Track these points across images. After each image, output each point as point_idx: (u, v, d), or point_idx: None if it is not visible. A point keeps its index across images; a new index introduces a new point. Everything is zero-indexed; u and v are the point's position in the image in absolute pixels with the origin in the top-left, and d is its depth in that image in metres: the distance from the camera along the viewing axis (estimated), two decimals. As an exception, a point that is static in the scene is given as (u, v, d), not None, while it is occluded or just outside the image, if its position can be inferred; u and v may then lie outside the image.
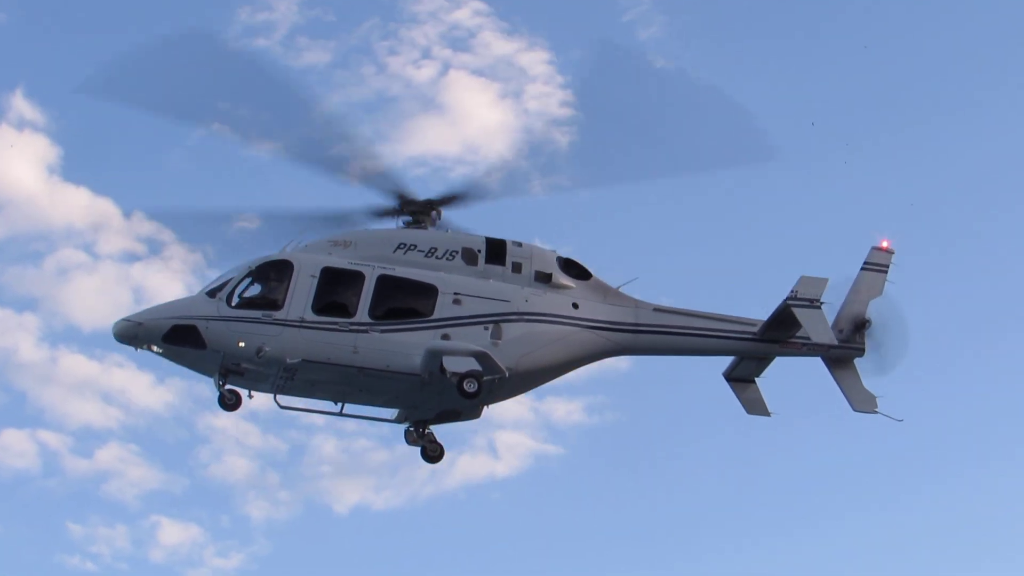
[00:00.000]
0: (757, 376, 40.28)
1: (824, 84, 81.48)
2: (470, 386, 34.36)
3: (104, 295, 72.75)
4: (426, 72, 79.16)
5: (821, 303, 37.84)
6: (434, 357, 34.55)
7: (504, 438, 71.35)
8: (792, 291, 37.83)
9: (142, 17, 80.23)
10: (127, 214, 71.60)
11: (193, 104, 37.68)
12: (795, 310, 37.62)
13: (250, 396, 35.86)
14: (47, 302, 73.37)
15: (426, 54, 79.67)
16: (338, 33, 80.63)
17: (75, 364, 71.75)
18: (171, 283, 70.09)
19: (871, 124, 79.30)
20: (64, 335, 72.35)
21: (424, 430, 38.03)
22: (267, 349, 34.29)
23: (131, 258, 71.87)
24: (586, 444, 71.12)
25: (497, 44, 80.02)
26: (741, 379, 40.29)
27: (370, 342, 34.86)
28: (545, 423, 71.14)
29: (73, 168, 75.44)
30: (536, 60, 79.65)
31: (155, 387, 70.93)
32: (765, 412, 40.37)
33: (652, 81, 41.02)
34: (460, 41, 79.54)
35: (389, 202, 37.17)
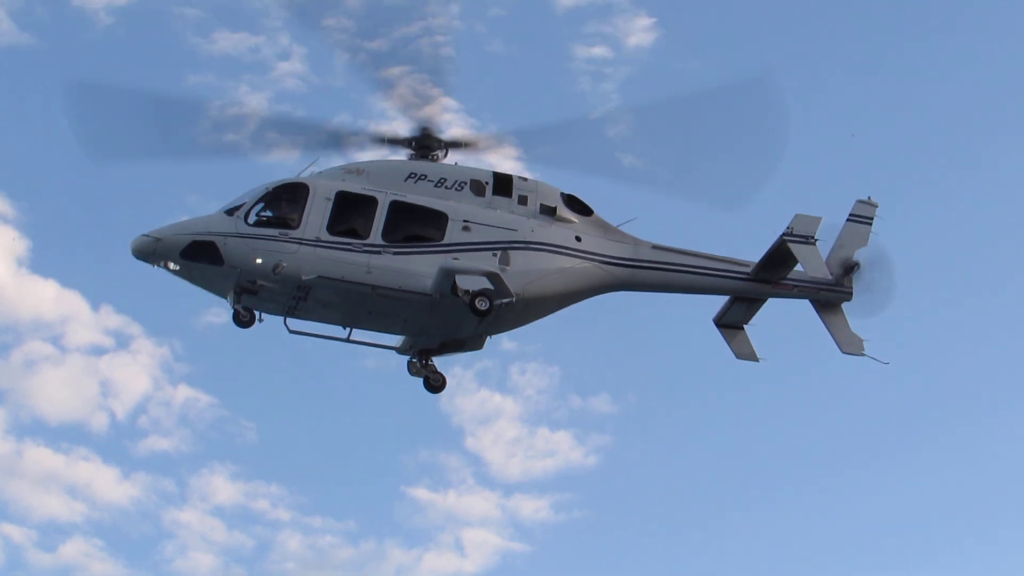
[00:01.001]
0: (746, 323, 41.58)
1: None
2: (482, 304, 35.37)
3: (71, 388, 72.97)
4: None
5: (816, 239, 39.28)
6: (447, 276, 35.52)
7: (471, 535, 71.65)
8: (788, 227, 39.26)
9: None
10: (95, 308, 73.08)
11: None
12: (791, 245, 39.01)
13: (260, 320, 36.73)
14: (13, 394, 73.24)
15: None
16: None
17: (40, 457, 71.36)
18: (139, 376, 71.86)
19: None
20: (30, 428, 72.13)
21: (427, 361, 38.96)
22: (284, 265, 35.13)
23: (99, 351, 73.44)
24: (553, 542, 71.12)
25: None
26: (731, 325, 41.60)
27: (383, 262, 35.80)
28: (512, 520, 71.50)
29: (41, 261, 75.78)
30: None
31: (121, 481, 70.97)
32: (754, 358, 41.67)
33: None
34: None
35: (412, 133, 38.05)
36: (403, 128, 38.20)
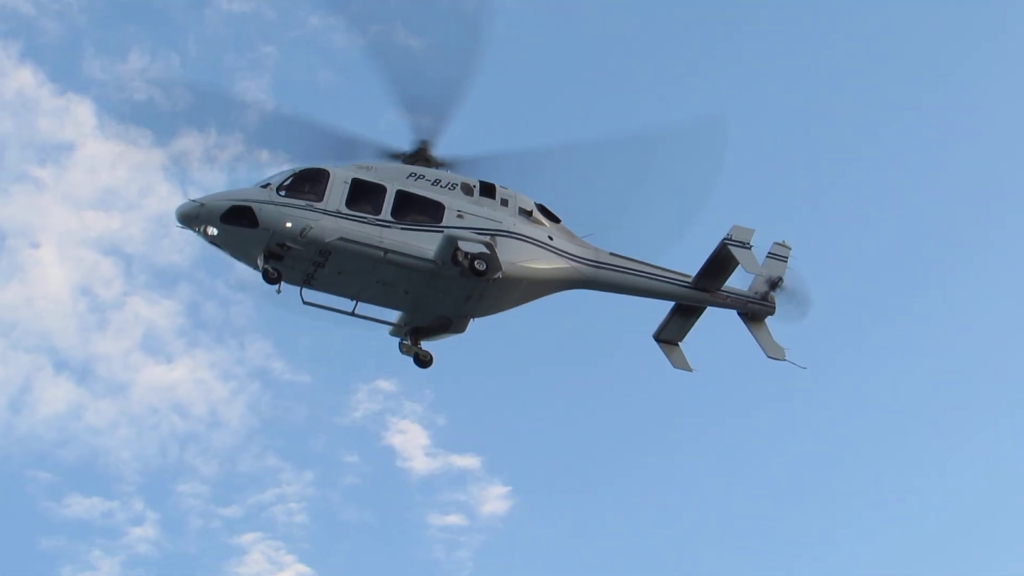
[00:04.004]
0: (680, 340, 48.31)
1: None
2: (480, 265, 41.64)
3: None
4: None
5: (751, 245, 46.46)
6: (450, 242, 41.72)
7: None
8: (727, 234, 46.43)
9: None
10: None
11: None
12: (731, 248, 46.10)
13: (278, 291, 42.41)
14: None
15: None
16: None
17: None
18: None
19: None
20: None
21: (416, 341, 44.78)
22: (312, 228, 41.10)
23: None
24: None
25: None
26: (668, 341, 48.30)
27: (392, 234, 41.99)
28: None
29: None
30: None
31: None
32: (688, 368, 48.23)
33: None
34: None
35: (411, 147, 44.48)
36: (404, 143, 44.85)
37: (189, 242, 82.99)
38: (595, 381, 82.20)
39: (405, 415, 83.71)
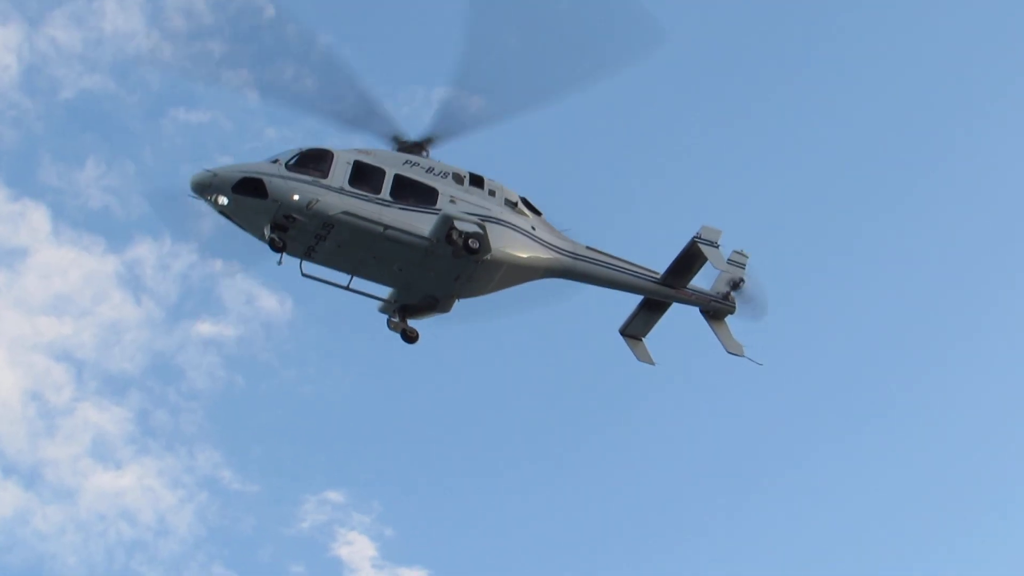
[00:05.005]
0: (644, 336, 51.63)
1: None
2: (474, 243, 44.61)
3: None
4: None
5: (718, 244, 49.91)
6: (446, 221, 44.64)
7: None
8: (697, 233, 49.87)
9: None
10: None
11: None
12: (701, 246, 49.53)
13: (279, 263, 45.09)
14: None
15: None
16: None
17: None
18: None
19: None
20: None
21: (404, 318, 47.58)
22: (318, 201, 43.85)
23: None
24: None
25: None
26: (633, 336, 51.58)
27: (391, 212, 44.84)
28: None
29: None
30: None
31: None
32: (650, 362, 51.49)
33: None
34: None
35: (416, 138, 47.09)
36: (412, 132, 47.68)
37: (141, 348, 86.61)
38: (543, 487, 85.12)
39: (353, 526, 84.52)
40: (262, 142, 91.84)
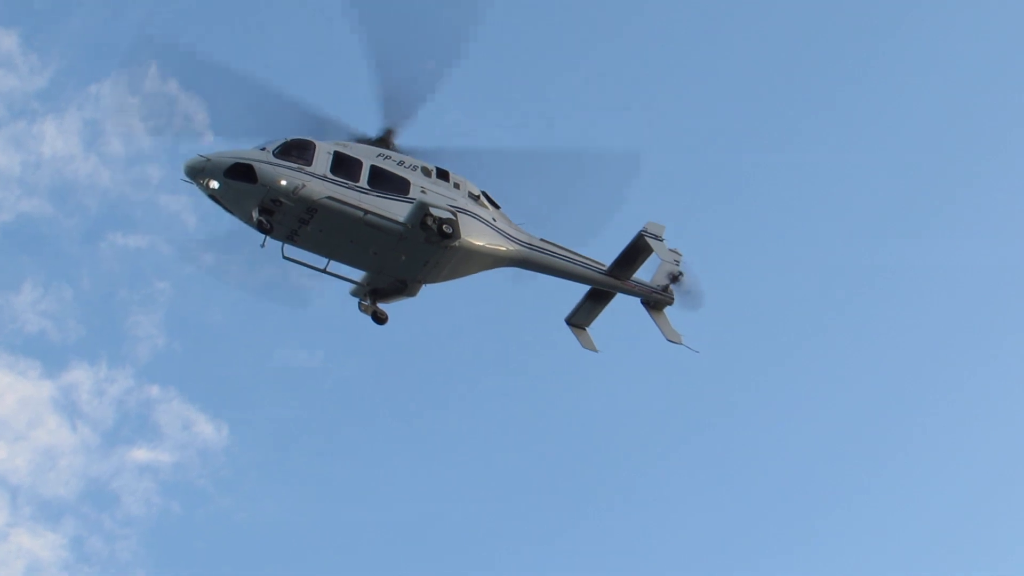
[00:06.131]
0: (588, 325, 55.73)
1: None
2: (448, 228, 48.27)
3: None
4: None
5: (663, 239, 54.22)
6: (421, 208, 48.20)
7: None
8: (643, 228, 54.14)
9: None
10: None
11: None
12: (647, 239, 53.81)
13: (263, 245, 48.33)
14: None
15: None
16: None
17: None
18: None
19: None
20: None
21: (374, 301, 51.04)
22: (303, 187, 47.14)
23: None
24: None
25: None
26: (578, 325, 55.66)
27: (370, 199, 48.26)
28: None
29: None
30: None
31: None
32: (594, 349, 55.56)
33: None
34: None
35: (376, 134, 50.73)
36: (371, 130, 51.26)
37: (76, 474, 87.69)
38: None
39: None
40: (199, 266, 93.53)
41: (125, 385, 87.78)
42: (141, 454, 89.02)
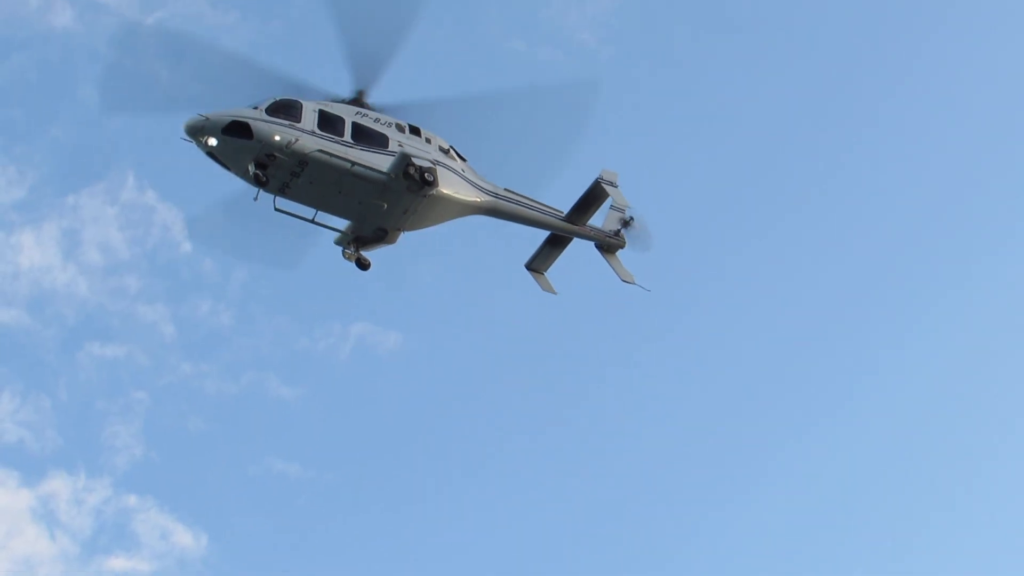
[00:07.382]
0: (545, 270, 60.17)
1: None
2: (429, 176, 52.41)
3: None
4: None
5: (616, 184, 58.86)
6: (404, 158, 52.22)
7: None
8: (599, 176, 58.69)
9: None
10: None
11: None
12: (603, 185, 58.39)
13: (255, 199, 52.01)
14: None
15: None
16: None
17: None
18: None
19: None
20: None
21: (358, 248, 54.94)
22: (296, 141, 50.88)
23: None
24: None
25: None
26: (536, 270, 60.07)
27: (356, 151, 52.14)
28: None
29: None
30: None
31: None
32: (552, 291, 60.02)
33: None
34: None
35: (349, 95, 54.61)
36: (343, 91, 55.03)
37: None
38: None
39: None
40: (177, 376, 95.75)
41: (103, 495, 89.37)
42: (119, 563, 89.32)
